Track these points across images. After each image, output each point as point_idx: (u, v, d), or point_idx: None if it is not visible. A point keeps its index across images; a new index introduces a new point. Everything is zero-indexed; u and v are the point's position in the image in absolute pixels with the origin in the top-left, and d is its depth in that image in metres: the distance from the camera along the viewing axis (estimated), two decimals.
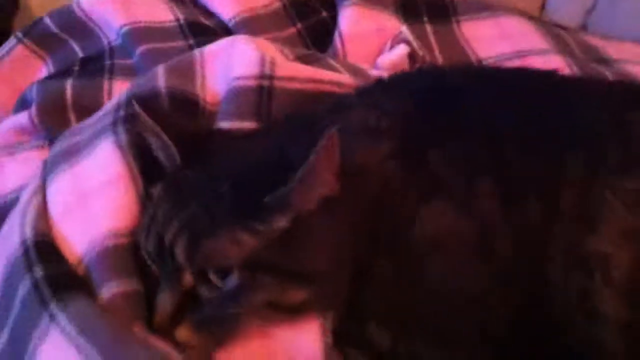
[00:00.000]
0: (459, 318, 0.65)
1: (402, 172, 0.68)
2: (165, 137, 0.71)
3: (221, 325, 0.66)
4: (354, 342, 0.67)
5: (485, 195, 0.67)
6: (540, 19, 1.36)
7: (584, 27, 1.39)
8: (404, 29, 1.15)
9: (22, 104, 1.07)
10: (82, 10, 1.22)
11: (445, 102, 0.76)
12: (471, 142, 0.70)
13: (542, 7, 1.44)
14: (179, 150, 0.71)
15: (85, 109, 1.00)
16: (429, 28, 1.23)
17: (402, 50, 1.09)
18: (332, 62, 0.99)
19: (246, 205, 0.64)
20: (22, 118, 1.03)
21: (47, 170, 0.82)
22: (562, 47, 1.17)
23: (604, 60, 1.16)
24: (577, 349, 0.65)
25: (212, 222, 0.65)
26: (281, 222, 0.64)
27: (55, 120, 1.01)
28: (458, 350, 0.66)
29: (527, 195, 0.67)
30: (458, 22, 1.25)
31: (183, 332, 0.65)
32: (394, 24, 1.18)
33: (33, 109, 1.01)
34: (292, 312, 0.66)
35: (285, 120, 0.80)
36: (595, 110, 0.73)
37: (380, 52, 1.13)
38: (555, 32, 1.23)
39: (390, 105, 0.76)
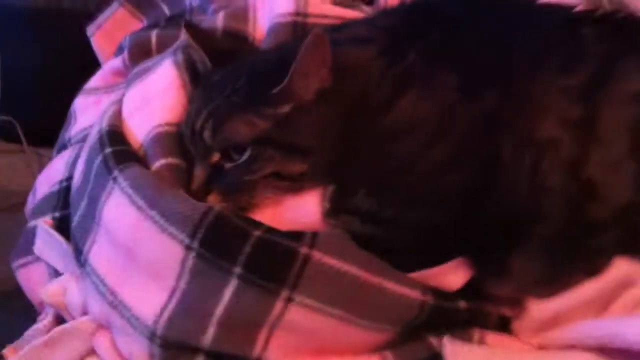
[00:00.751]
0: (424, 185, 0.79)
1: (385, 69, 0.83)
2: (202, 52, 0.91)
3: (241, 194, 0.84)
4: (347, 209, 0.81)
5: (449, 87, 0.80)
6: None
7: None
8: None
9: (119, 51, 1.29)
10: None
11: (429, 14, 0.90)
12: (442, 44, 0.84)
13: None
14: (212, 62, 0.91)
15: None
16: None
17: None
18: (366, 8, 1.15)
19: (257, 95, 0.82)
20: (117, 62, 1.25)
21: (126, 86, 1.04)
22: None
23: None
24: (523, 217, 0.77)
25: (230, 109, 0.83)
26: (284, 108, 0.82)
27: (142, 61, 1.22)
28: (426, 211, 0.79)
29: (483, 86, 0.80)
30: None
31: (212, 198, 0.84)
32: None
33: (125, 53, 1.23)
34: (295, 181, 0.82)
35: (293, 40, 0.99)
36: (556, 24, 0.85)
37: None
38: None
39: (382, 21, 0.92)
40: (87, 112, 1.21)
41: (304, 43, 0.79)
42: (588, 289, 0.78)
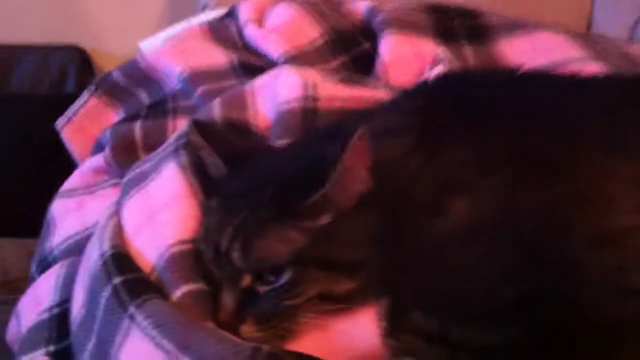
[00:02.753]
0: (491, 299, 0.68)
1: (423, 165, 0.74)
2: (214, 155, 0.80)
3: (280, 320, 0.72)
4: (407, 327, 0.70)
5: (503, 184, 0.71)
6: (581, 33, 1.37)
7: (630, 40, 1.39)
8: (443, 50, 1.20)
9: (98, 148, 1.18)
10: (146, 61, 1.33)
11: (460, 96, 0.82)
12: (486, 133, 0.75)
13: (589, 22, 1.45)
14: (229, 166, 0.80)
15: (153, 146, 1.09)
16: (467, 49, 1.27)
17: (440, 69, 1.14)
18: (373, 82, 1.06)
19: (290, 206, 0.72)
20: (98, 160, 1.14)
21: (121, 196, 0.92)
22: (601, 55, 1.18)
23: None
24: (607, 327, 0.67)
25: (261, 225, 0.72)
26: (324, 219, 0.71)
27: (127, 158, 1.10)
28: (495, 329, 0.69)
29: (545, 179, 0.71)
30: (495, 40, 1.28)
31: (246, 328, 0.72)
32: (432, 48, 1.22)
33: (107, 150, 1.12)
34: (343, 302, 0.72)
35: (314, 132, 0.89)
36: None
37: (421, 76, 1.19)
38: (594, 40, 1.24)
39: (409, 105, 0.83)
40: (69, 217, 1.09)
41: (345, 144, 0.69)
42: None
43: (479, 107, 0.80)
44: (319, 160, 0.73)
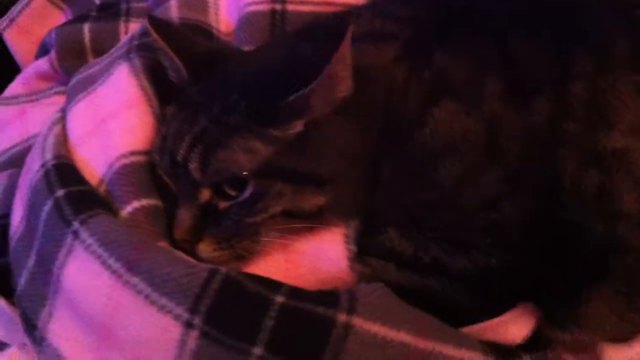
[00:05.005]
0: (472, 222, 0.64)
1: (410, 73, 0.67)
2: (174, 57, 0.71)
3: (241, 239, 0.66)
4: (377, 251, 0.66)
5: (494, 95, 0.65)
6: None
7: None
8: None
9: (42, 51, 1.07)
10: None
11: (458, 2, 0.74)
12: (478, 40, 0.68)
13: None
14: (190, 70, 0.71)
15: (104, 51, 0.99)
16: None
17: None
18: None
19: (258, 111, 0.64)
20: (43, 63, 1.04)
21: (66, 102, 0.83)
22: None
23: None
24: (595, 249, 0.63)
25: (223, 133, 0.64)
26: (296, 127, 0.64)
27: (74, 63, 1.01)
28: (475, 256, 0.64)
29: (535, 93, 0.64)
30: None
31: (204, 247, 0.66)
32: None
33: (52, 53, 1.02)
34: (310, 220, 0.65)
35: (290, 33, 0.80)
36: (605, 6, 0.70)
37: None
38: None
39: (400, 11, 0.75)
40: (9, 126, 1.01)
41: (332, 42, 0.61)
42: None
43: (464, 9, 0.73)
44: (296, 59, 0.66)
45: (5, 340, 0.75)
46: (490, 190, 0.63)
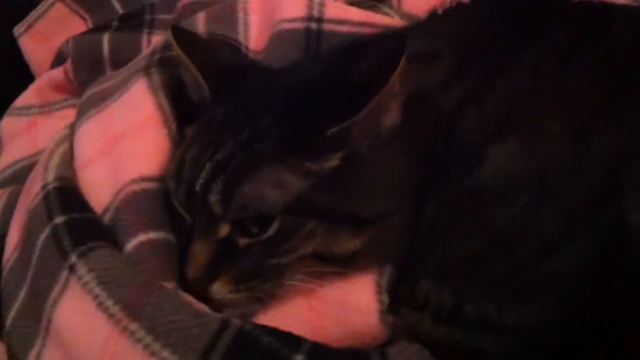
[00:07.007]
0: (530, 270, 0.56)
1: (461, 102, 0.60)
2: (198, 73, 0.64)
3: (262, 281, 0.58)
4: (412, 301, 0.58)
5: (553, 134, 0.57)
6: None
7: None
8: None
9: (59, 60, 1.01)
10: None
11: (508, 22, 0.66)
12: (539, 71, 0.61)
13: None
14: (214, 88, 0.64)
15: (123, 63, 0.92)
16: None
17: None
18: (386, 9, 0.90)
19: (293, 140, 0.57)
20: (57, 73, 0.98)
21: (77, 117, 0.76)
22: None
23: None
24: None
25: (250, 162, 0.57)
26: (333, 160, 0.57)
27: (91, 75, 0.94)
28: (533, 309, 0.56)
29: (596, 132, 0.57)
30: None
31: (219, 287, 0.59)
32: None
33: (68, 63, 0.96)
34: (343, 266, 0.58)
35: (329, 52, 0.73)
36: None
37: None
38: None
39: (445, 28, 0.68)
40: (18, 139, 0.95)
41: (385, 61, 0.54)
42: None
43: (528, 33, 0.65)
44: (341, 80, 0.58)
45: None
46: (551, 235, 0.56)
